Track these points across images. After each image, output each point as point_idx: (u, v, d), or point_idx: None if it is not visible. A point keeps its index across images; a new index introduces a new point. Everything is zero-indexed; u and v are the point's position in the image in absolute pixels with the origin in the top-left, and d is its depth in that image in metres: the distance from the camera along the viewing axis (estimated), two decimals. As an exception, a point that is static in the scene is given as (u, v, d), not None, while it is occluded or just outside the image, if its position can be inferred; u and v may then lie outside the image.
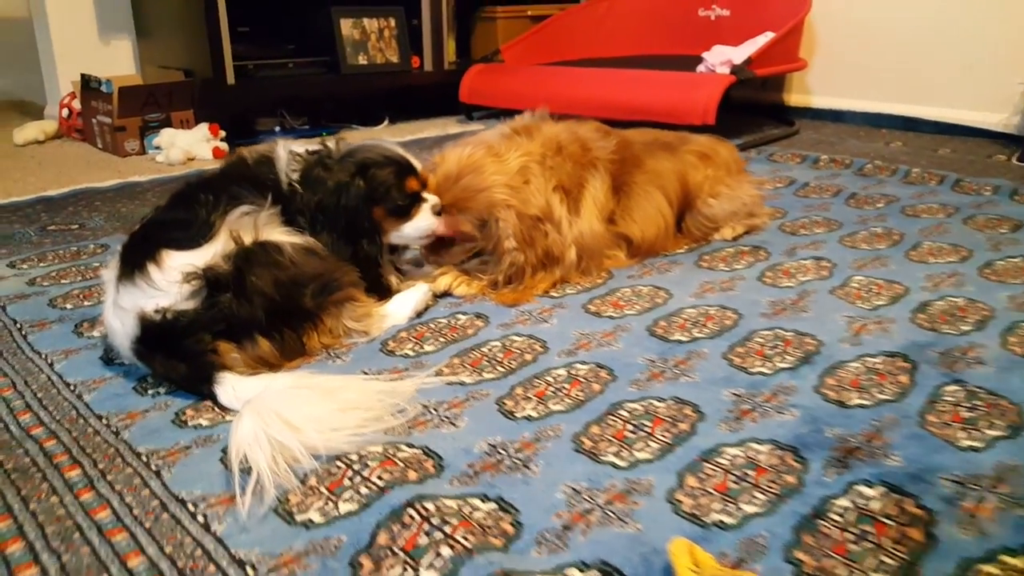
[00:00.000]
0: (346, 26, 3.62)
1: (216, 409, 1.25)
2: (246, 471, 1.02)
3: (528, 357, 1.38)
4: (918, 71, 3.53)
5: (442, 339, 1.47)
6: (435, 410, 1.21)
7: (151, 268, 1.33)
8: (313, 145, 1.61)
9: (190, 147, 3.17)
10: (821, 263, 1.83)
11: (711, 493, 1.00)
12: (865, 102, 3.71)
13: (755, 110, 3.89)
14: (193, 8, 3.22)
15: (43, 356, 1.45)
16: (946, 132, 3.47)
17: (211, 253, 1.36)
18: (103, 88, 3.26)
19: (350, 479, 1.03)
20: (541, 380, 1.29)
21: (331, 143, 1.61)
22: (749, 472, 1.04)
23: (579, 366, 1.34)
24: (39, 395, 1.31)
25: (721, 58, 3.19)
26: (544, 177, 1.70)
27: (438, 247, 1.70)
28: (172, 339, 1.29)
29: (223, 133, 3.29)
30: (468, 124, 3.82)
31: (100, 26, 3.70)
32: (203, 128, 3.25)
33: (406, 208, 1.59)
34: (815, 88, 3.88)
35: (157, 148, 3.23)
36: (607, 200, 1.77)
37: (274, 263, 1.39)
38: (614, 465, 1.06)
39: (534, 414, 1.19)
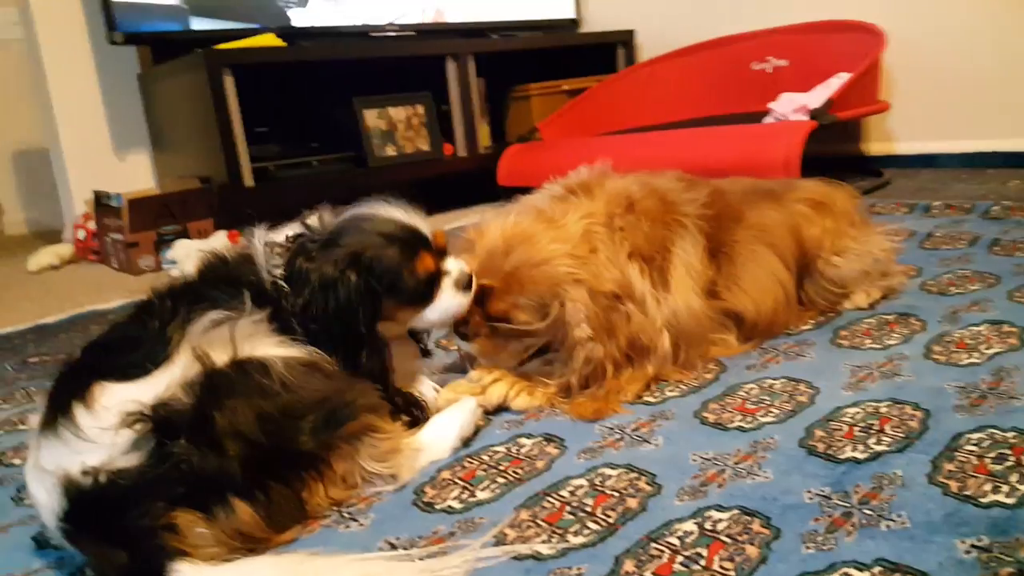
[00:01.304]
0: (371, 117, 3.33)
1: (168, 621, 0.82)
2: None
3: (632, 503, 0.92)
4: None
5: (501, 479, 1.02)
6: (499, 610, 0.76)
7: (78, 411, 0.93)
8: (293, 228, 1.22)
9: (207, 258, 2.84)
10: (1002, 329, 1.35)
11: None
12: (962, 142, 3.25)
13: (829, 166, 3.46)
14: (204, 113, 2.95)
15: (-41, 541, 1.05)
16: (1066, 166, 2.99)
17: (165, 382, 0.95)
18: (114, 203, 2.99)
19: None
20: (661, 544, 0.83)
21: (314, 220, 1.21)
22: None
23: (715, 515, 0.87)
24: None
25: (793, 105, 2.80)
26: (615, 242, 1.27)
27: (489, 348, 1.28)
28: (108, 513, 0.88)
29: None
30: (510, 210, 3.46)
31: (115, 143, 3.48)
32: (221, 236, 2.94)
33: (420, 294, 1.18)
34: (898, 133, 3.44)
35: (172, 262, 2.92)
36: (704, 266, 1.34)
37: (257, 389, 0.98)
38: None
39: (662, 610, 0.73)
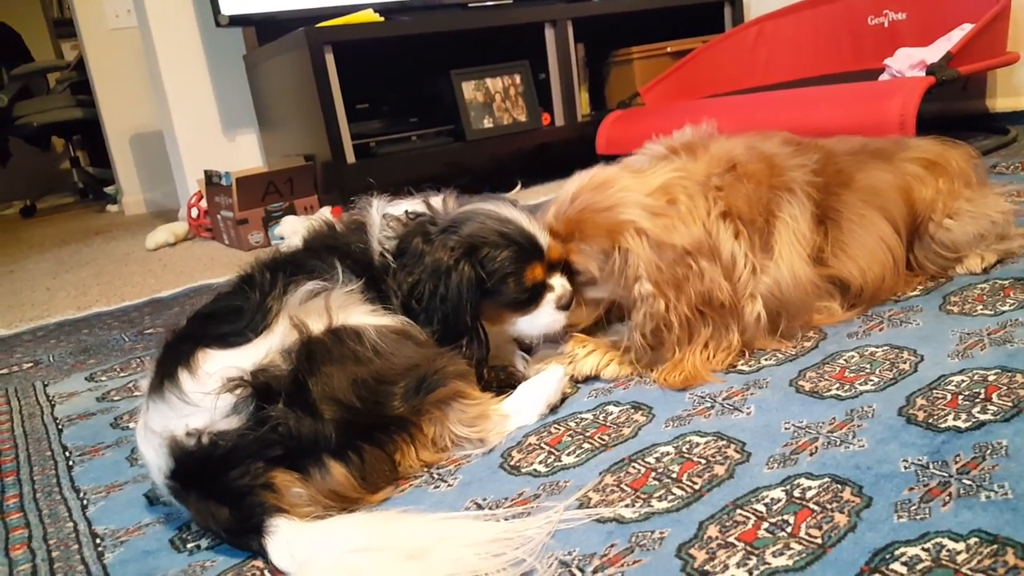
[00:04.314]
0: (468, 89, 3.34)
1: (267, 574, 0.87)
2: None
3: (719, 471, 0.90)
4: None
5: (587, 445, 1.03)
6: (579, 571, 0.76)
7: (182, 376, 0.98)
8: (415, 204, 1.24)
9: (312, 233, 2.94)
10: None
11: None
12: (1099, 95, 3.00)
13: (951, 124, 3.25)
14: (306, 91, 3.04)
15: (81, 495, 1.15)
16: None
17: (264, 350, 1.00)
18: (223, 181, 3.12)
19: None
20: (746, 511, 0.81)
21: (437, 201, 1.23)
22: None
23: (804, 483, 0.85)
24: (54, 554, 0.99)
25: (910, 61, 2.64)
26: (704, 198, 1.22)
27: None
28: (210, 472, 0.93)
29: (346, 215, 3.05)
30: (609, 179, 3.40)
31: (224, 124, 3.63)
32: (326, 212, 3.03)
33: (522, 303, 1.18)
34: (1027, 88, 3.21)
35: (280, 238, 3.03)
36: (811, 233, 1.28)
37: (351, 356, 1.01)
38: None
39: (743, 575, 0.71)
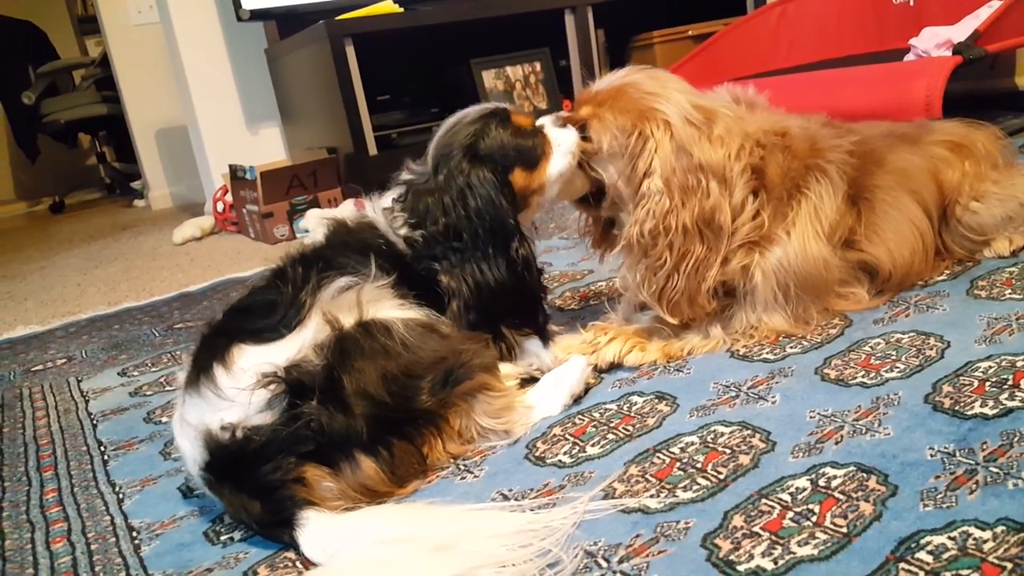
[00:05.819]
0: (488, 78, 3.34)
1: (299, 565, 0.88)
2: None
3: (744, 460, 0.91)
4: None
5: (612, 435, 1.03)
6: (605, 561, 0.77)
7: (218, 371, 1.00)
8: (396, 188, 1.26)
9: (336, 225, 2.96)
10: None
11: None
12: None
13: (978, 103, 3.20)
14: (327, 84, 3.05)
15: (116, 489, 1.18)
16: None
17: (297, 345, 1.01)
18: (247, 175, 3.15)
19: None
20: (772, 500, 0.82)
21: (406, 173, 1.26)
22: None
23: (829, 471, 0.85)
24: (92, 547, 1.02)
25: (936, 40, 2.60)
26: (741, 143, 1.21)
27: None
28: (243, 466, 0.95)
29: (370, 207, 3.07)
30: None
31: (247, 118, 3.66)
32: (349, 205, 3.06)
33: (537, 149, 1.22)
34: (1056, 65, 3.15)
35: (305, 231, 3.06)
36: (839, 216, 1.26)
37: (381, 350, 1.02)
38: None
39: (769, 566, 0.72)
